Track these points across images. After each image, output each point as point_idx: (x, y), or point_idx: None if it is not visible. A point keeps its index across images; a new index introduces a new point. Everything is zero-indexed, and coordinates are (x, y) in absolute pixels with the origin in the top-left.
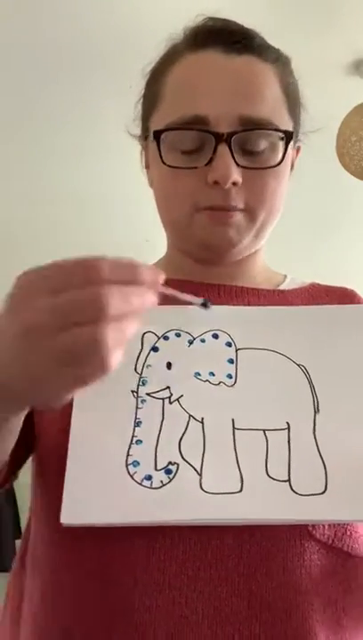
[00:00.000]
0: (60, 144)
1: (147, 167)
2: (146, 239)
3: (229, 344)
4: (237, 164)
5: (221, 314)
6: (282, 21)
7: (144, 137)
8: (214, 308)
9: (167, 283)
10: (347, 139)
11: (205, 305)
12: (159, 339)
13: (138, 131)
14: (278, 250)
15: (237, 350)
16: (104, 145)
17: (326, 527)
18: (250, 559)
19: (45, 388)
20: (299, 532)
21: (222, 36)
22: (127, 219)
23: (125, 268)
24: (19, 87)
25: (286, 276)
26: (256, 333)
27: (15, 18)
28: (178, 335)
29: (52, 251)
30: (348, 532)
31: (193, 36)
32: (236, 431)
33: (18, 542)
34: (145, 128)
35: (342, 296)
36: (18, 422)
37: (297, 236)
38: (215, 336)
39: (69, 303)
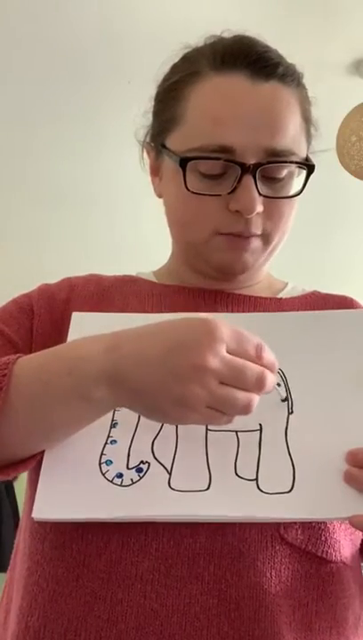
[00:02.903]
0: (62, 142)
1: (153, 174)
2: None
3: None
4: (260, 194)
5: None
6: (282, 21)
7: (156, 148)
8: (197, 315)
9: (166, 288)
10: (347, 139)
11: (284, 400)
12: None
13: (139, 134)
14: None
15: None
16: (103, 141)
17: (299, 531)
18: (221, 559)
19: (179, 412)
20: (270, 535)
21: (249, 60)
22: (129, 218)
23: (271, 354)
24: (19, 86)
25: (286, 284)
26: None
27: (15, 18)
28: None
29: (53, 251)
30: (322, 537)
31: (219, 56)
32: (208, 432)
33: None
34: (158, 141)
35: (339, 303)
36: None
37: (296, 237)
38: None
39: (243, 367)
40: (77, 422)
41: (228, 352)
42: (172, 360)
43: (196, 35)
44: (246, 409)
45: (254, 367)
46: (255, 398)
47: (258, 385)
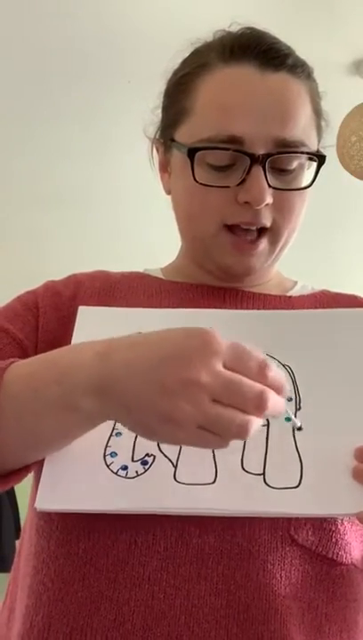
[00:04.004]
0: (62, 142)
1: (162, 171)
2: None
3: None
4: (269, 185)
5: (212, 317)
6: (282, 21)
7: (164, 144)
8: (205, 312)
9: (174, 285)
10: (347, 139)
11: (299, 429)
12: None
13: (147, 131)
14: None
15: None
16: (103, 141)
17: (310, 532)
18: (230, 559)
19: (166, 430)
20: (280, 536)
21: (258, 51)
22: (130, 218)
23: (279, 374)
24: (20, 87)
25: (296, 283)
26: (244, 335)
27: (15, 17)
28: None
29: (53, 251)
30: (333, 539)
31: (229, 48)
32: None
33: (18, 542)
34: (167, 136)
35: (349, 303)
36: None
37: (297, 237)
38: None
39: (240, 384)
40: (68, 433)
41: (226, 368)
42: (160, 372)
43: (196, 35)
44: (241, 432)
45: (252, 385)
46: (254, 421)
47: (257, 405)
